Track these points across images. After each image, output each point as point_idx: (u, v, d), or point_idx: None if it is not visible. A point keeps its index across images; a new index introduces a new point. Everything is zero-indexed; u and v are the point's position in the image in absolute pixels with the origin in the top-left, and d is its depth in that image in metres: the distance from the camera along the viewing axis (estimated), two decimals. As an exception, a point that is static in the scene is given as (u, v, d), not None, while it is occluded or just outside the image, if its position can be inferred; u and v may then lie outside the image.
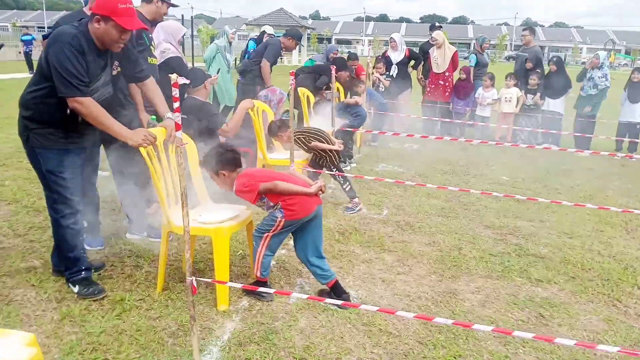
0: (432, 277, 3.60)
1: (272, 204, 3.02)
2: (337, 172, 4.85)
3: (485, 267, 3.80)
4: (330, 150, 4.75)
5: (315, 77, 6.82)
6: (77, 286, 3.10)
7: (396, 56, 8.88)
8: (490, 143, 6.24)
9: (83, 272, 3.14)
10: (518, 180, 6.35)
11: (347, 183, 4.92)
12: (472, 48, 11.39)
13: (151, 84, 3.38)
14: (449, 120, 8.58)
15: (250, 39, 8.33)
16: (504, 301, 3.31)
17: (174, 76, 2.21)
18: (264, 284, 3.14)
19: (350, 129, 6.28)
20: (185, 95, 4.28)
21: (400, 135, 5.86)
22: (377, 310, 2.38)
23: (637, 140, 7.90)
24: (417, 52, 9.45)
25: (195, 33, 29.28)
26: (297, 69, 6.62)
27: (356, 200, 4.95)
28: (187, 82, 4.11)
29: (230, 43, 7.10)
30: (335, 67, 6.07)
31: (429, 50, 8.99)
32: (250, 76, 6.65)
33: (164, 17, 4.26)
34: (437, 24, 9.89)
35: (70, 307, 2.97)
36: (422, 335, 2.86)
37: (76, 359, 2.53)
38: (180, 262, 3.59)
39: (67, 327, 2.78)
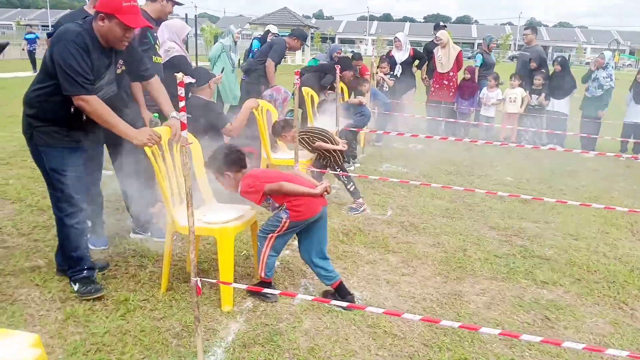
0: (437, 279, 3.58)
1: (277, 204, 3.00)
2: (341, 172, 4.83)
3: (491, 268, 3.78)
4: (335, 151, 4.73)
5: (320, 76, 6.81)
6: (77, 284, 3.11)
7: (400, 56, 8.86)
8: (494, 143, 6.21)
9: (85, 272, 3.13)
10: (523, 181, 6.33)
11: (351, 183, 4.90)
12: (475, 48, 11.35)
13: (156, 82, 3.37)
14: (453, 120, 8.55)
15: (254, 38, 8.31)
16: (510, 303, 3.29)
17: (179, 75, 2.20)
18: (268, 284, 3.13)
19: (354, 129, 6.26)
20: (190, 94, 4.26)
21: (404, 135, 5.83)
22: (383, 312, 2.35)
23: (642, 141, 7.86)
24: (422, 51, 9.42)
25: (198, 32, 29.31)
26: (301, 69, 6.61)
27: (360, 200, 4.93)
28: (193, 81, 4.10)
29: (235, 42, 7.08)
30: (339, 66, 6.05)
31: (433, 50, 8.96)
32: (255, 75, 6.64)
33: (169, 15, 4.26)
34: (441, 23, 9.84)
35: (74, 307, 2.97)
36: (427, 337, 2.84)
37: (80, 360, 2.53)
38: (184, 262, 3.57)
39: (71, 327, 2.77)
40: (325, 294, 3.25)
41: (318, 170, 4.79)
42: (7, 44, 3.11)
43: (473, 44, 69.29)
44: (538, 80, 8.44)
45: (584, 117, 8.34)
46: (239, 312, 3.01)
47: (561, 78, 8.43)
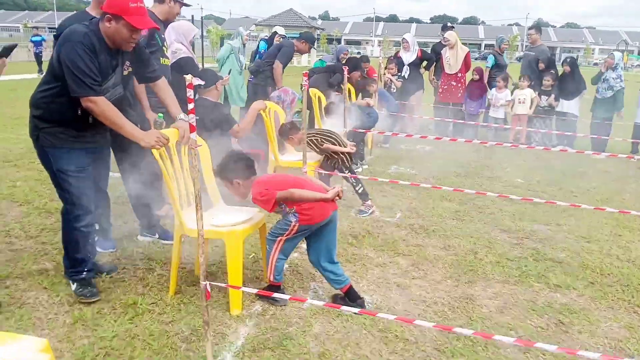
0: (448, 282, 3.54)
1: (289, 209, 2.96)
2: (349, 174, 4.79)
3: (502, 272, 3.72)
4: (343, 153, 4.69)
5: (328, 77, 6.78)
6: (75, 284, 3.10)
7: (408, 57, 8.80)
8: (504, 145, 6.15)
9: (84, 273, 3.12)
10: (533, 182, 6.26)
11: (360, 185, 4.86)
12: (482, 48, 11.30)
13: (163, 84, 3.34)
14: (462, 121, 8.49)
15: (261, 40, 8.28)
16: (523, 307, 3.23)
17: (188, 77, 2.17)
18: (277, 288, 3.10)
19: (362, 130, 6.22)
20: (197, 96, 4.24)
21: (413, 136, 5.78)
22: (395, 318, 2.31)
23: (653, 142, 7.77)
24: (430, 52, 9.37)
25: (204, 34, 29.36)
26: (309, 70, 6.58)
27: (369, 202, 4.88)
28: (202, 83, 4.08)
29: (244, 45, 7.09)
30: (347, 67, 6.01)
31: (441, 51, 8.91)
32: (262, 76, 6.62)
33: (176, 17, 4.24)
34: (449, 24, 9.78)
35: (82, 310, 2.94)
36: (439, 342, 2.79)
37: (88, 364, 2.50)
38: (192, 265, 3.54)
39: (79, 331, 2.75)
40: (335, 298, 3.21)
41: (326, 172, 4.75)
42: (16, 45, 3.06)
43: (480, 44, 69.12)
44: (547, 81, 8.36)
45: (594, 119, 8.25)
46: (248, 315, 2.98)
47: (570, 79, 8.35)
